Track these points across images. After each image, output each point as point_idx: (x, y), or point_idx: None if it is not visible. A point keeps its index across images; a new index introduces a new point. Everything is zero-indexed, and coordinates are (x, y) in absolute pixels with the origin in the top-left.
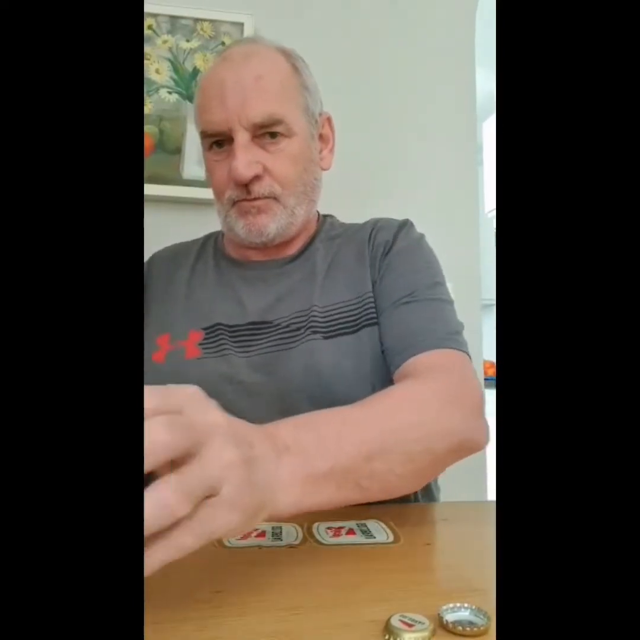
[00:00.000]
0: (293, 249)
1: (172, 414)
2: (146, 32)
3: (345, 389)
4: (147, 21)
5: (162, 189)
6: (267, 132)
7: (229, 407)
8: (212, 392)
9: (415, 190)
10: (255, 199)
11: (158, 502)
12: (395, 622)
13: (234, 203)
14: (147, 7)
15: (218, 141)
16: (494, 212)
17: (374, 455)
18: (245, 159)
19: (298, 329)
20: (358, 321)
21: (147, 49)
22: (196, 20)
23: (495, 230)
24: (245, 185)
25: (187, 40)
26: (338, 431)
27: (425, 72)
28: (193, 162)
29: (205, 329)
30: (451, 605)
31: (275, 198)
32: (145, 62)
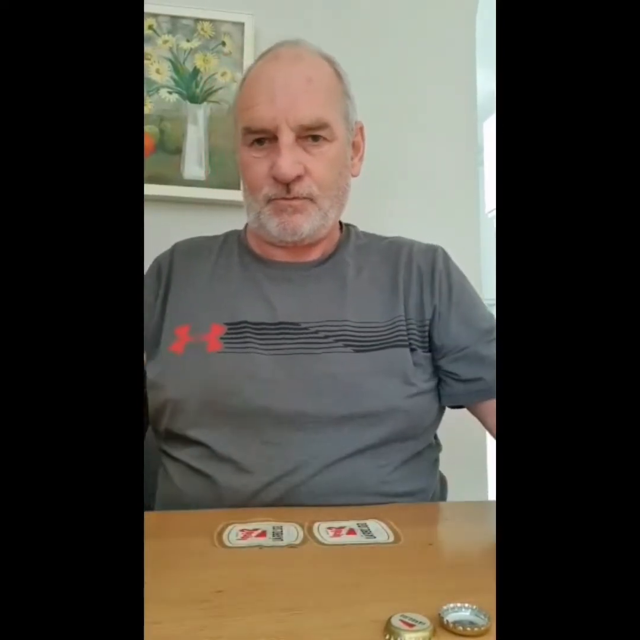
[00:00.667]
0: (317, 253)
1: None
2: (147, 32)
3: (368, 399)
4: (148, 21)
5: (163, 189)
6: (310, 134)
7: (249, 403)
8: (232, 387)
9: (416, 190)
10: (294, 198)
11: None
12: (395, 622)
13: (270, 200)
14: (148, 7)
15: (259, 139)
16: (494, 212)
17: None
18: (290, 158)
19: (326, 337)
20: (388, 340)
21: (147, 49)
22: (197, 20)
23: (495, 230)
24: (287, 184)
25: (188, 40)
26: None
27: (425, 72)
28: (193, 162)
29: (228, 324)
30: (452, 605)
31: (312, 199)
32: (146, 62)
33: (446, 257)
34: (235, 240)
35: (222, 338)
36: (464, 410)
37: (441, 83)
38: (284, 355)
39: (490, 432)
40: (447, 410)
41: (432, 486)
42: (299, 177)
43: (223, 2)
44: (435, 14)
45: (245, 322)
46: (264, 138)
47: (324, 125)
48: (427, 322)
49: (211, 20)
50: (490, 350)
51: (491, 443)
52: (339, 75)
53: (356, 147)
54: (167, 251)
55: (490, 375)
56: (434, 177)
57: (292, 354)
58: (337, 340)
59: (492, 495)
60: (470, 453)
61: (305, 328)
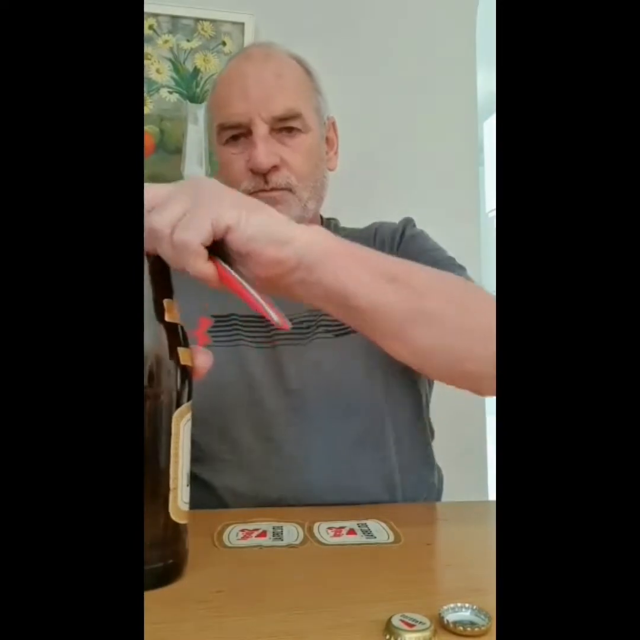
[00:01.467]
0: None
1: None
2: (147, 32)
3: (353, 387)
4: (148, 21)
5: None
6: (284, 126)
7: (239, 398)
8: (222, 382)
9: (416, 190)
10: (272, 189)
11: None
12: (396, 622)
13: (250, 194)
14: (148, 7)
15: (234, 135)
16: (494, 212)
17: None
18: (265, 149)
19: (308, 326)
20: None
21: (147, 48)
22: (197, 20)
23: (495, 230)
24: (264, 175)
25: (188, 40)
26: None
27: (425, 72)
28: (194, 161)
29: (216, 316)
30: (452, 605)
31: (290, 190)
32: (146, 62)
33: (408, 221)
34: None
35: (210, 331)
36: (464, 409)
37: (441, 83)
38: (272, 348)
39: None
40: (443, 406)
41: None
42: (275, 168)
43: (223, 2)
44: (435, 14)
45: (234, 314)
46: (239, 134)
47: (296, 116)
48: None
49: (211, 20)
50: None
51: (491, 443)
52: (308, 72)
53: (330, 142)
54: None
55: None
56: (433, 177)
57: (280, 346)
58: (318, 326)
59: (492, 495)
60: (470, 453)
61: (291, 319)
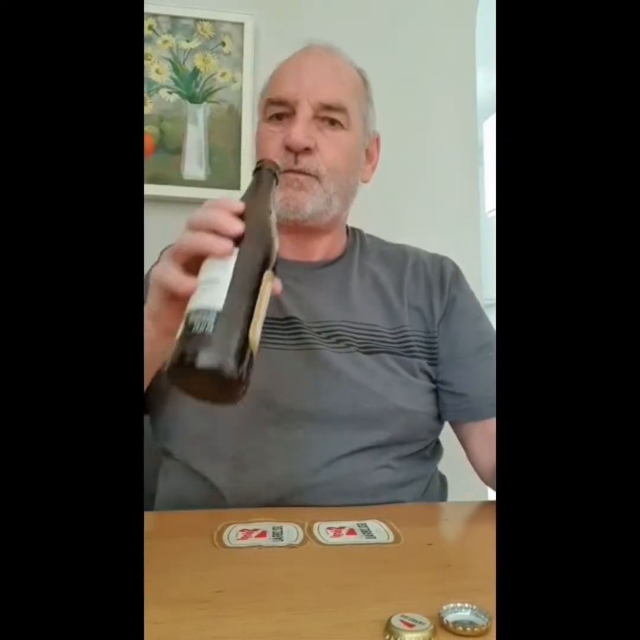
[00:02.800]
0: (322, 252)
1: None
2: (146, 32)
3: (369, 397)
4: (148, 21)
5: (163, 189)
6: (328, 117)
7: (255, 394)
8: None
9: (416, 190)
10: (300, 171)
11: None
12: (396, 622)
13: None
14: (148, 7)
15: (278, 114)
16: (494, 212)
17: None
18: (304, 129)
19: (329, 337)
20: (394, 347)
21: (147, 49)
22: (196, 20)
23: (495, 230)
24: (295, 155)
25: (188, 41)
26: None
27: (425, 72)
28: (193, 162)
29: None
30: (452, 605)
31: (318, 178)
32: (146, 62)
33: (456, 268)
34: None
35: None
36: None
37: (441, 83)
38: (289, 350)
39: (468, 455)
40: None
41: (428, 491)
42: (308, 150)
43: (223, 3)
44: (435, 14)
45: None
46: (283, 113)
47: (342, 109)
48: (435, 333)
49: (211, 21)
50: (483, 366)
51: None
52: (365, 82)
53: (370, 155)
54: None
55: (476, 393)
56: (433, 177)
57: (297, 350)
58: (339, 341)
59: (492, 495)
60: None
61: (310, 326)
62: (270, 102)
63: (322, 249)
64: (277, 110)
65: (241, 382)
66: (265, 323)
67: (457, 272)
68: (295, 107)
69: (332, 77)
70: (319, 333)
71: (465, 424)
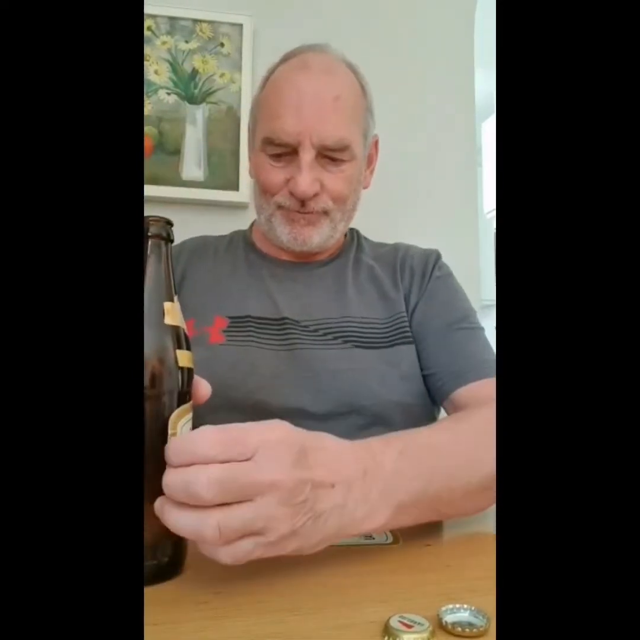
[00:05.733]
0: (323, 255)
1: (235, 463)
2: (145, 33)
3: (369, 398)
4: (146, 22)
5: (161, 190)
6: (332, 157)
7: (251, 397)
8: (233, 380)
9: (415, 190)
10: (307, 212)
11: (195, 526)
12: (394, 623)
13: (281, 207)
14: (147, 8)
15: (278, 153)
16: (494, 213)
17: (457, 486)
18: (310, 177)
19: (326, 334)
20: (391, 338)
21: (146, 50)
22: (195, 21)
23: (495, 231)
24: (302, 200)
25: (186, 42)
26: (432, 461)
27: (424, 73)
28: (192, 163)
29: (232, 317)
30: (450, 606)
31: (325, 213)
32: (145, 63)
33: (437, 258)
34: (241, 239)
35: (224, 331)
36: None
37: (440, 84)
38: (284, 350)
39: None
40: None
41: None
42: (315, 194)
43: (221, 3)
44: (434, 15)
45: (249, 316)
46: (284, 153)
47: (345, 147)
48: (403, 315)
49: (210, 22)
50: (449, 341)
51: None
52: (364, 90)
53: (369, 159)
54: (176, 249)
55: (442, 369)
56: (433, 177)
57: (292, 350)
58: (336, 338)
59: None
60: None
61: (306, 326)
62: (270, 142)
63: (322, 252)
64: (278, 151)
65: None
66: (260, 324)
67: (438, 261)
68: (298, 148)
69: (334, 108)
70: (316, 331)
71: (443, 402)
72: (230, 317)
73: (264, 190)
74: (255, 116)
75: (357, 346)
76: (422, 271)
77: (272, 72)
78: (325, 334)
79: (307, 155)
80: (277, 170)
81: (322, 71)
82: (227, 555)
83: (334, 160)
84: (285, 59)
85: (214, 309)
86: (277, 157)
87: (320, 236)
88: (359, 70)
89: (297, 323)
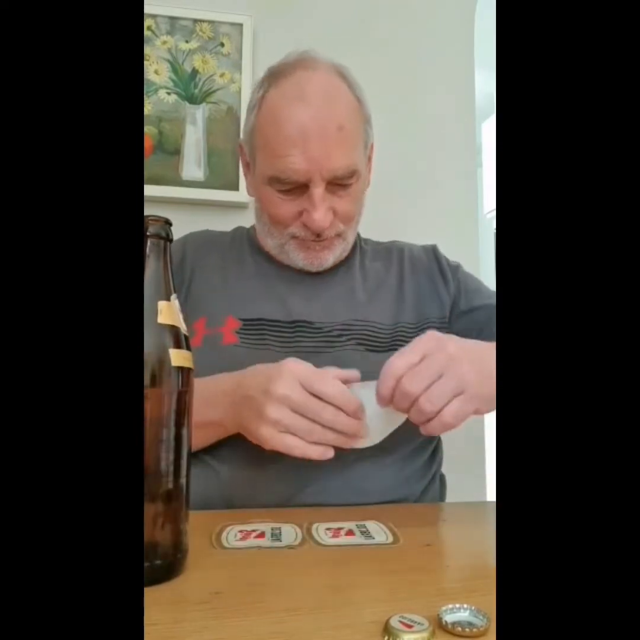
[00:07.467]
0: (333, 261)
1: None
2: (145, 33)
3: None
4: (146, 22)
5: (161, 190)
6: (341, 183)
7: None
8: None
9: (415, 190)
10: (323, 239)
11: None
12: (394, 623)
13: (295, 237)
14: (147, 8)
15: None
16: (493, 213)
17: None
18: (323, 209)
19: (340, 335)
20: (393, 343)
21: (146, 49)
22: (195, 21)
23: (495, 231)
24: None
25: (187, 41)
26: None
27: (424, 74)
28: (192, 163)
29: (244, 320)
30: (450, 606)
31: (339, 235)
32: (145, 62)
33: (441, 254)
34: (245, 238)
35: (237, 332)
36: None
37: (440, 84)
38: (299, 353)
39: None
40: None
41: (427, 488)
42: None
43: (222, 3)
44: (434, 15)
45: (262, 319)
46: (293, 188)
47: (354, 173)
48: (445, 319)
49: (210, 22)
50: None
51: (491, 443)
52: (360, 100)
53: (368, 160)
54: (179, 243)
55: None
56: (433, 178)
57: (307, 352)
58: (350, 339)
59: (491, 496)
60: (470, 453)
61: (320, 327)
62: (278, 180)
63: (333, 259)
64: (287, 187)
65: None
66: (273, 327)
67: (446, 258)
68: (309, 184)
69: (339, 139)
70: (328, 332)
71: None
72: (242, 320)
73: (274, 221)
74: (253, 145)
75: (368, 350)
76: (441, 272)
77: (263, 92)
78: (339, 336)
79: (318, 190)
80: (288, 203)
81: (321, 100)
82: (450, 415)
83: (342, 185)
84: (275, 77)
85: (225, 309)
86: (286, 191)
87: (334, 255)
88: (349, 75)
89: (311, 324)
